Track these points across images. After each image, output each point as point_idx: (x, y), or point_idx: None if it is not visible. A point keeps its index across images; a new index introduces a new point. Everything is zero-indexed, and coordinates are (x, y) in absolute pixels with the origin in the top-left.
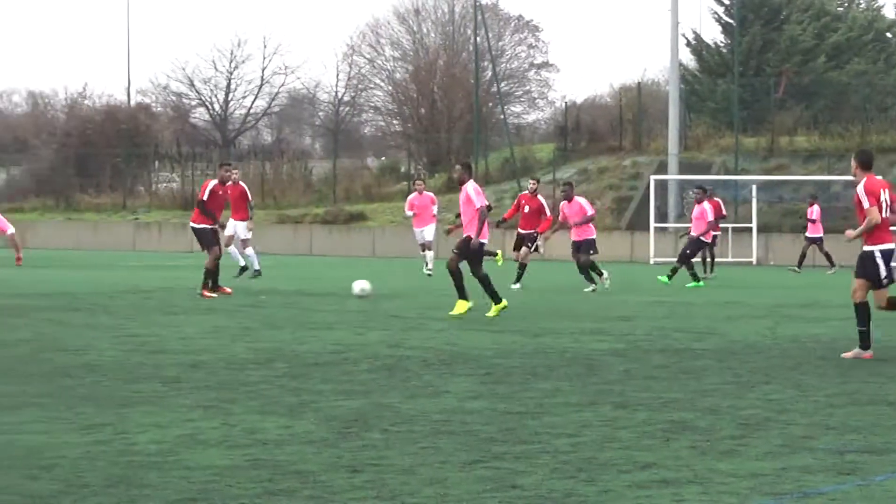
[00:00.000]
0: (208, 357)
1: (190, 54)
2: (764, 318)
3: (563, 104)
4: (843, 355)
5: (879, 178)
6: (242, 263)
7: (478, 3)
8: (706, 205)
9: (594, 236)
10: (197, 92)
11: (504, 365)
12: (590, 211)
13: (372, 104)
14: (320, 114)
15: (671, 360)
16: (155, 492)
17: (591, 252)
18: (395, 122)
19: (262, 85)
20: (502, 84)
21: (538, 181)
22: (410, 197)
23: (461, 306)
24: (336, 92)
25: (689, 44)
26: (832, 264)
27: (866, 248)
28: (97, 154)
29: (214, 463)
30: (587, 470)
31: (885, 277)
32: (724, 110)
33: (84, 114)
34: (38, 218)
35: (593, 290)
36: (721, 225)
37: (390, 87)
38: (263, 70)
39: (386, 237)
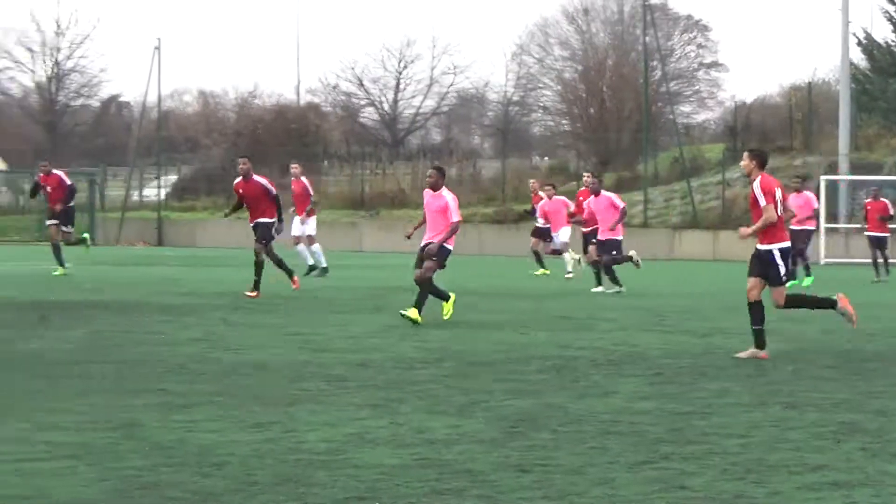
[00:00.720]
0: (376, 356)
1: (359, 54)
2: None
3: (733, 104)
4: (738, 355)
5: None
6: (311, 262)
7: (647, 3)
8: (808, 193)
9: (621, 237)
10: (366, 91)
11: (672, 365)
12: (621, 205)
13: (541, 104)
14: (489, 113)
15: (840, 362)
16: (323, 490)
17: (614, 253)
18: (563, 121)
19: (431, 84)
20: (671, 83)
21: (592, 174)
22: (541, 203)
23: (448, 307)
24: (505, 91)
25: (859, 43)
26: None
27: (762, 246)
28: (267, 153)
29: (382, 462)
30: (757, 471)
31: (784, 275)
32: None
33: (254, 113)
34: (208, 217)
35: (616, 292)
36: (891, 226)
37: (559, 87)
38: (432, 70)
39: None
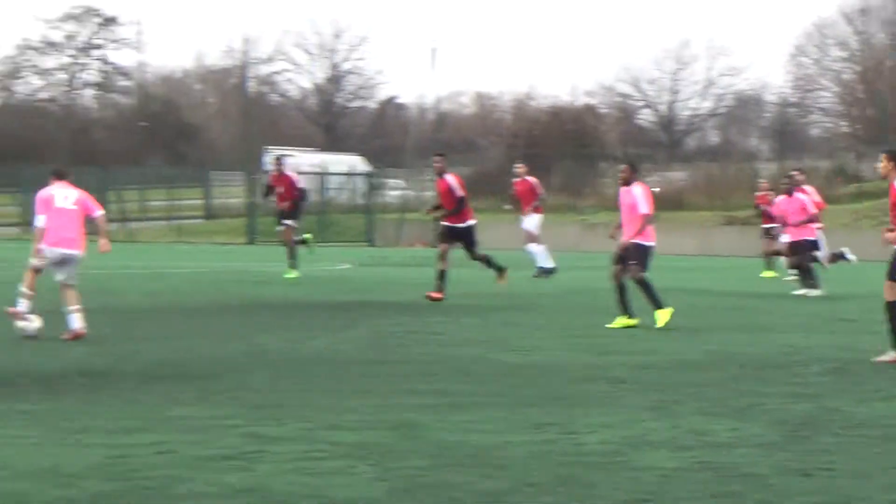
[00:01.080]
0: (656, 358)
1: (635, 56)
2: None
3: None
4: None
5: None
6: (539, 264)
7: None
8: None
9: (814, 238)
10: (642, 93)
11: None
12: (812, 210)
13: (819, 105)
14: (766, 115)
15: None
16: (602, 492)
17: (809, 254)
18: (842, 123)
19: (707, 86)
20: None
21: (801, 171)
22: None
23: (624, 321)
24: (782, 93)
25: None
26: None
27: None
28: (544, 155)
29: (662, 465)
30: None
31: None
32: None
33: (530, 115)
34: (488, 218)
35: (804, 294)
36: None
37: (837, 88)
38: (709, 71)
39: (837, 239)
